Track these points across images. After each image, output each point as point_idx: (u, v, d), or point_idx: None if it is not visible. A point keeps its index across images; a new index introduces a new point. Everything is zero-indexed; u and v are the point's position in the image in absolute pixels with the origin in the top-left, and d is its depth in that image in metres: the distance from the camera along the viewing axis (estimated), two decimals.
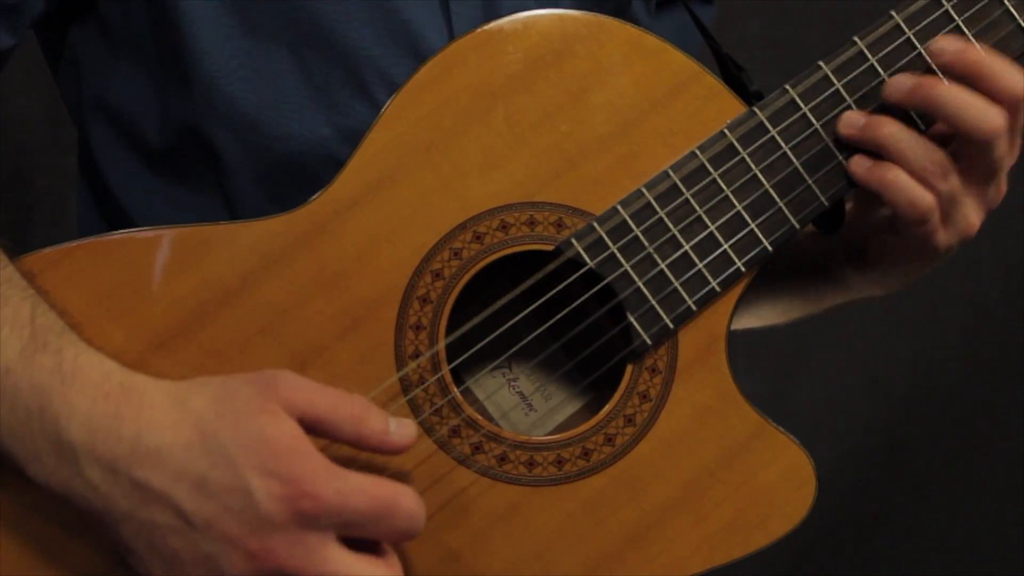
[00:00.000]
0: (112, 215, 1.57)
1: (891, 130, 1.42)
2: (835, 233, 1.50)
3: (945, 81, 1.40)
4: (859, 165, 1.43)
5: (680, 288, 1.42)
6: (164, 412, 1.29)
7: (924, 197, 1.41)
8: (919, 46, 1.43)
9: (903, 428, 3.17)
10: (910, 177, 1.41)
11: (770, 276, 1.59)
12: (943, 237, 1.46)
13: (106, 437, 1.28)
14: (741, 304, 1.44)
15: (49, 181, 2.53)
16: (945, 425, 3.18)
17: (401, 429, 1.31)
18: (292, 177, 1.49)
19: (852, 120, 1.43)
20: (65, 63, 1.57)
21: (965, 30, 1.43)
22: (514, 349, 1.45)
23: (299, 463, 1.26)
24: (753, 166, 1.43)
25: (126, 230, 1.40)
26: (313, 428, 1.29)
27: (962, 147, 1.42)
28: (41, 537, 1.35)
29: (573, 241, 1.41)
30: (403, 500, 1.29)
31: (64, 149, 2.49)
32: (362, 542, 1.30)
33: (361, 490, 1.27)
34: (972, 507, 3.20)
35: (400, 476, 1.38)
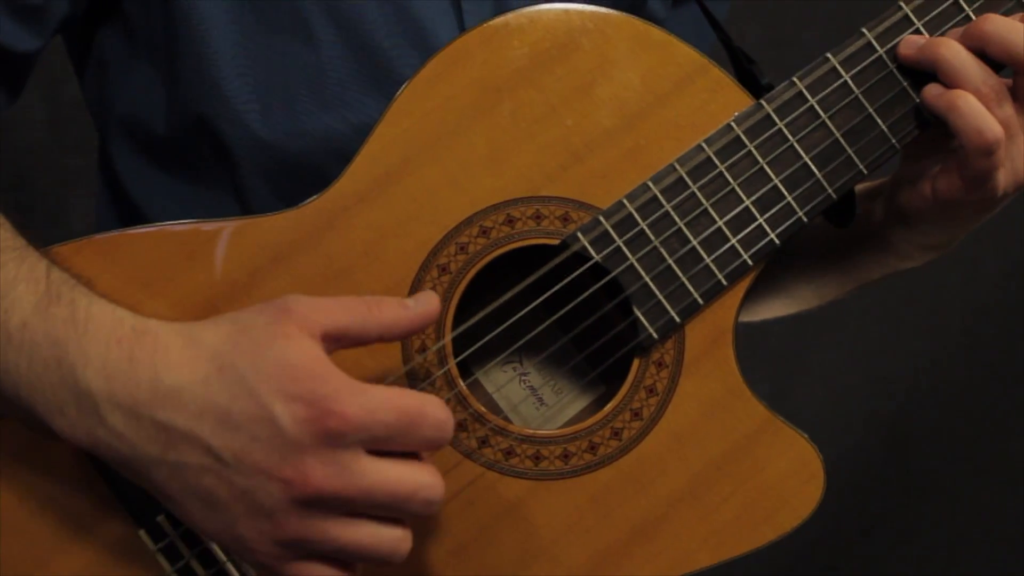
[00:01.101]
0: (129, 214, 1.58)
1: (950, 49, 1.41)
2: (847, 227, 1.50)
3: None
4: (929, 91, 1.43)
5: (687, 282, 1.42)
6: (179, 351, 1.27)
7: (992, 126, 1.40)
8: (928, 37, 1.43)
9: (903, 428, 3.18)
10: (979, 103, 1.40)
11: (804, 253, 1.58)
12: (1002, 177, 1.44)
13: (124, 382, 1.26)
14: (773, 290, 1.43)
15: (49, 181, 2.53)
16: (945, 425, 3.18)
17: (421, 300, 1.30)
18: (304, 173, 1.50)
19: (911, 41, 1.43)
20: (92, 64, 1.57)
21: (975, 19, 1.44)
22: (520, 343, 1.45)
23: (320, 383, 1.24)
24: (760, 159, 1.42)
25: (135, 226, 1.40)
26: (340, 338, 1.27)
27: (1015, 81, 1.43)
28: (69, 515, 1.35)
29: (579, 235, 1.41)
30: (429, 408, 1.26)
31: (64, 149, 2.49)
32: (395, 452, 1.28)
33: (386, 402, 1.25)
34: (972, 506, 3.21)
35: None
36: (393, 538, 1.28)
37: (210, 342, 1.27)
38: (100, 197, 1.62)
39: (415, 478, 1.27)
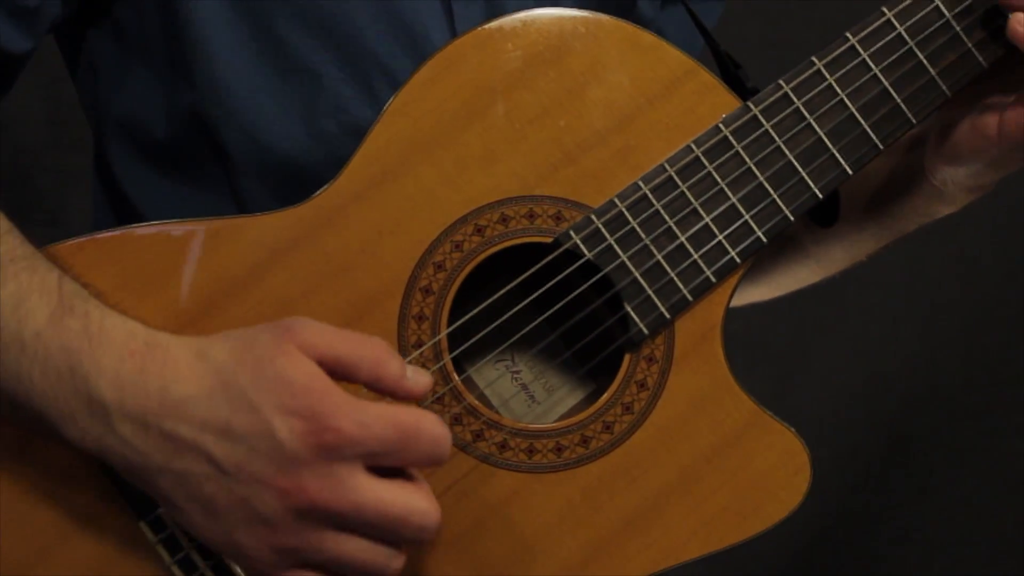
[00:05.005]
0: (126, 214, 1.61)
1: None
2: (831, 226, 1.53)
3: None
4: (1017, 21, 1.45)
5: (676, 278, 1.45)
6: (187, 365, 1.32)
7: None
8: (910, 41, 1.46)
9: (903, 428, 3.18)
10: None
11: (845, 212, 1.60)
12: None
13: (135, 393, 1.31)
14: (798, 256, 1.44)
15: (49, 181, 2.55)
16: (945, 424, 3.19)
17: (416, 376, 1.33)
18: (298, 173, 1.53)
19: None
20: (83, 67, 1.60)
21: (955, 25, 1.47)
22: (512, 339, 1.48)
23: (317, 399, 1.29)
24: (747, 159, 1.45)
25: (135, 224, 1.43)
26: (333, 369, 1.32)
27: None
28: (70, 507, 1.39)
29: (571, 233, 1.44)
30: (425, 424, 1.31)
31: (64, 149, 2.51)
32: (391, 470, 1.33)
33: (382, 419, 1.30)
34: (972, 506, 3.21)
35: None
36: (385, 554, 1.33)
37: (216, 357, 1.32)
38: (96, 197, 1.65)
39: (407, 502, 1.32)
